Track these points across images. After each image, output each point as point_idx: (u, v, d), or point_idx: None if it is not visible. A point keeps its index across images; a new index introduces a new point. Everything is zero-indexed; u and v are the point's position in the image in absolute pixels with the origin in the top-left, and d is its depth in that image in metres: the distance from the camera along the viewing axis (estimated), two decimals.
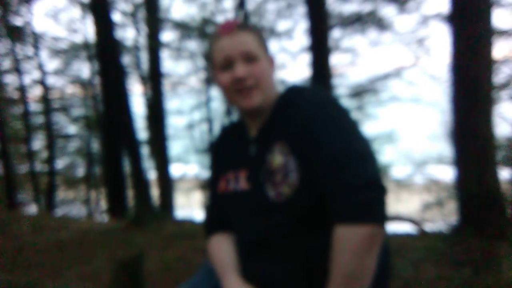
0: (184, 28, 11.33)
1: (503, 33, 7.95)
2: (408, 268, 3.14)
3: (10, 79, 11.96)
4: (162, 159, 10.52)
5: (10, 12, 11.17)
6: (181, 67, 11.95)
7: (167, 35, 12.05)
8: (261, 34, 1.27)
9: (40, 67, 11.64)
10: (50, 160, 11.79)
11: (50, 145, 11.90)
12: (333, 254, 1.04)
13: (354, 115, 10.19)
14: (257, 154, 1.21)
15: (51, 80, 12.22)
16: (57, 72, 12.36)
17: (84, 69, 12.18)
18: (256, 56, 1.20)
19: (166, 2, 11.22)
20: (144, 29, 11.03)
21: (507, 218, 4.77)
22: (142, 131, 10.03)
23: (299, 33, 10.48)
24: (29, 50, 11.73)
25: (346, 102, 10.35)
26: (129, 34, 11.48)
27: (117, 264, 2.85)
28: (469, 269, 3.03)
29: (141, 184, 6.77)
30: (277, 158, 1.15)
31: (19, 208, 10.96)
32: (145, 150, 10.01)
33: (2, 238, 4.82)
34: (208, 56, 1.30)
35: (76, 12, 11.70)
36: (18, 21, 11.33)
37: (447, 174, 6.40)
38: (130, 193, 8.26)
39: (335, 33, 10.17)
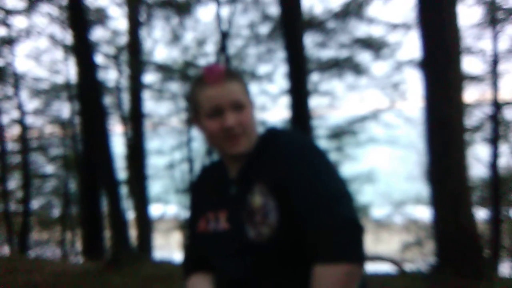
0: (166, 70, 11.51)
1: (474, 78, 8.32)
2: None
3: None
4: (141, 199, 10.38)
5: None
6: (162, 107, 12.04)
7: (149, 77, 12.18)
8: (244, 79, 1.31)
9: (20, 107, 11.56)
10: (25, 200, 11.50)
11: (26, 185, 11.64)
12: None
13: (334, 155, 10.37)
14: (237, 194, 1.23)
15: (30, 120, 12.13)
16: (37, 112, 12.29)
17: (64, 109, 12.14)
18: (243, 104, 1.23)
19: (149, 45, 11.40)
20: (126, 70, 11.15)
21: (484, 258, 4.84)
22: (121, 171, 9.93)
23: (279, 77, 10.75)
24: (9, 90, 11.68)
25: (326, 143, 10.53)
26: (111, 75, 11.56)
27: None
28: None
29: (119, 224, 6.64)
30: (257, 198, 1.17)
31: None
32: (124, 190, 9.88)
33: None
34: (191, 101, 1.30)
35: (58, 53, 11.73)
36: None
37: (426, 214, 6.48)
38: (107, 234, 8.08)
39: (314, 77, 10.49)
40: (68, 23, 9.20)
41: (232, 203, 1.24)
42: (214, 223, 1.27)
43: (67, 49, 11.03)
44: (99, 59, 10.41)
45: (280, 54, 9.97)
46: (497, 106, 7.98)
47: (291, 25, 6.18)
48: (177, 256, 8.85)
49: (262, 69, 11.37)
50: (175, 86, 11.88)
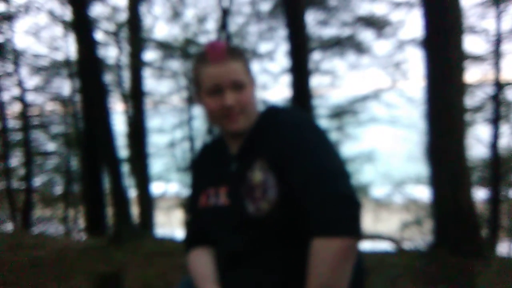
0: (166, 48, 11.41)
1: (476, 58, 8.26)
2: (386, 285, 3.20)
3: None
4: (142, 177, 10.43)
5: None
6: (163, 86, 11.99)
7: (150, 55, 12.10)
8: (246, 57, 1.32)
9: (20, 84, 11.51)
10: (28, 177, 11.56)
11: (28, 162, 11.69)
12: (309, 265, 1.08)
13: (334, 135, 10.38)
14: (238, 170, 1.26)
15: (31, 97, 12.09)
16: (37, 89, 12.24)
17: (65, 86, 12.09)
18: (244, 84, 1.25)
19: (149, 22, 11.29)
20: (126, 48, 11.05)
21: (481, 237, 4.89)
22: (123, 149, 9.96)
23: (280, 55, 10.67)
24: (9, 67, 11.61)
25: (326, 123, 10.52)
26: (111, 52, 11.45)
27: (96, 281, 2.84)
28: (445, 286, 3.09)
29: (121, 202, 6.69)
30: (258, 174, 1.20)
31: None
32: (125, 168, 9.93)
33: None
34: (193, 77, 1.32)
35: (58, 30, 11.63)
36: None
37: (425, 193, 6.52)
38: (109, 211, 8.16)
39: (315, 56, 10.41)
40: None
41: (232, 179, 1.26)
42: (215, 198, 1.29)
43: (66, 25, 10.93)
44: (99, 35, 10.35)
45: (282, 32, 9.88)
46: (499, 86, 7.94)
47: (293, 2, 6.11)
48: (178, 233, 8.97)
49: (263, 47, 11.31)
50: (175, 64, 11.81)
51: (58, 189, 12.72)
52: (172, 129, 11.87)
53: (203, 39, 11.05)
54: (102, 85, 6.90)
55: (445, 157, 4.31)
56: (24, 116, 11.84)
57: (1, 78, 11.65)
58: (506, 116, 8.40)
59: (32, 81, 12.07)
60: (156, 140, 11.70)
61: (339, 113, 10.80)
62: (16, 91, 11.65)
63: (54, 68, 12.10)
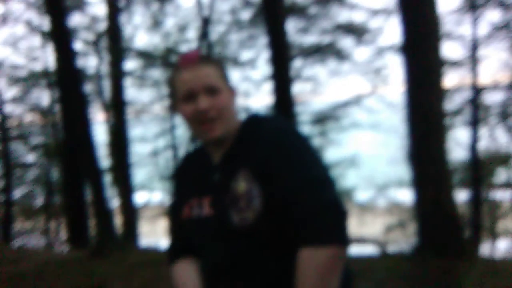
0: (147, 57, 11.35)
1: (454, 63, 8.42)
2: None
3: None
4: (125, 187, 10.32)
5: None
6: (144, 95, 11.90)
7: (131, 64, 12.00)
8: (222, 65, 1.31)
9: None
10: (7, 190, 11.34)
11: (7, 174, 11.47)
12: (298, 275, 1.08)
13: (317, 141, 10.44)
14: (221, 180, 1.24)
15: (9, 108, 11.90)
16: (16, 100, 12.05)
17: (44, 97, 11.92)
18: (218, 89, 1.23)
19: (129, 31, 11.20)
20: (106, 57, 10.97)
21: (464, 238, 4.96)
22: (105, 159, 9.85)
23: (262, 63, 10.70)
24: None
25: (309, 129, 10.57)
26: (91, 62, 11.36)
27: None
28: None
29: (103, 212, 6.60)
30: (241, 184, 1.18)
31: None
32: (108, 178, 9.81)
33: None
34: (170, 86, 1.31)
35: (36, 40, 11.46)
36: None
37: (408, 196, 6.60)
38: (91, 222, 8.04)
39: (297, 63, 10.47)
40: (45, 8, 8.98)
41: (215, 189, 1.24)
42: (198, 209, 1.27)
43: (44, 35, 10.79)
44: (78, 45, 10.24)
45: (263, 40, 9.91)
46: (476, 90, 8.10)
47: (273, 11, 6.15)
48: (163, 243, 8.87)
49: (245, 55, 11.30)
50: (157, 73, 11.74)
51: (39, 201, 12.50)
52: (155, 138, 11.77)
53: (184, 48, 11.03)
54: (81, 95, 6.83)
55: (426, 160, 4.38)
56: (2, 127, 11.65)
57: None
58: (484, 119, 8.57)
59: (10, 92, 11.90)
60: (138, 149, 11.59)
61: (322, 119, 10.87)
62: None
63: (32, 79, 11.94)
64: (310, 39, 10.73)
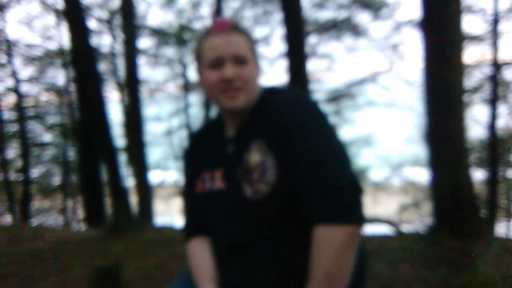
0: (161, 34, 11.30)
1: (474, 38, 8.19)
2: (385, 269, 3.19)
3: None
4: (140, 166, 10.42)
5: None
6: (158, 73, 11.90)
7: (144, 42, 11.98)
8: (253, 39, 1.27)
9: (14, 74, 11.41)
10: (25, 169, 11.54)
11: (25, 154, 11.65)
12: (313, 254, 1.06)
13: (332, 119, 10.33)
14: (235, 152, 1.21)
15: (25, 88, 12.00)
16: (31, 80, 12.14)
17: (59, 76, 12.00)
18: (246, 59, 1.20)
19: (142, 9, 11.19)
20: (120, 35, 10.94)
21: (480, 218, 4.89)
22: (119, 138, 9.92)
23: (276, 40, 10.57)
24: (2, 58, 11.50)
25: (324, 107, 10.46)
26: (105, 41, 11.34)
27: (95, 273, 2.82)
28: (445, 269, 3.09)
29: (119, 192, 6.69)
30: (255, 156, 1.15)
31: None
32: (123, 157, 9.90)
33: None
34: (196, 51, 1.27)
35: (50, 19, 11.50)
36: None
37: (424, 176, 6.53)
38: (108, 201, 8.16)
39: (312, 40, 10.31)
40: None
41: (228, 161, 1.22)
42: (210, 183, 1.25)
43: (59, 14, 10.79)
44: (92, 23, 10.22)
45: (277, 16, 9.77)
46: (497, 66, 7.88)
47: None
48: (177, 221, 8.98)
49: (259, 32, 11.18)
50: (170, 51, 11.70)
51: (56, 180, 12.71)
52: (169, 117, 11.82)
53: (198, 25, 10.95)
54: (96, 74, 6.86)
55: (444, 139, 4.28)
56: (19, 107, 11.77)
57: None
58: (504, 96, 8.36)
59: (26, 72, 11.99)
60: (153, 129, 11.66)
61: (337, 97, 10.76)
62: (10, 82, 11.58)
63: (48, 58, 11.99)
64: (325, 14, 10.54)
